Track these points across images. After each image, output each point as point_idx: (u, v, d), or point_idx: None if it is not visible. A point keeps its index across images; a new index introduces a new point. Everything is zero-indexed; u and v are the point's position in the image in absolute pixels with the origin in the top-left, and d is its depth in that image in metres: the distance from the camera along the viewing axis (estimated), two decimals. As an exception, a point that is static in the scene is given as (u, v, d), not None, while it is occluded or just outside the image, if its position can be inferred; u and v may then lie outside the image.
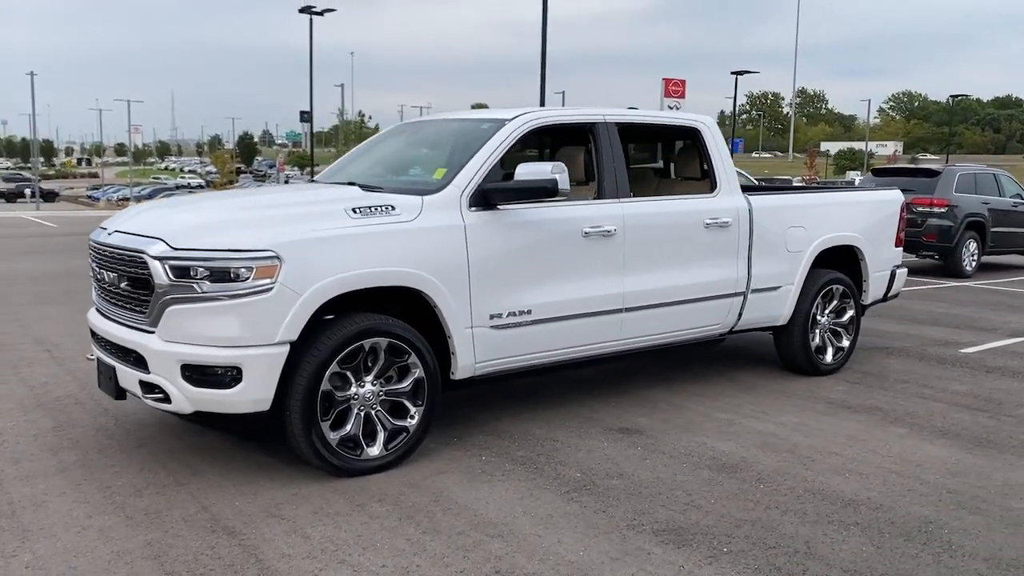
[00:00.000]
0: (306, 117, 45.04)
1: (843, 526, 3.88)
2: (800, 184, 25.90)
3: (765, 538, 3.74)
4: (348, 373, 4.32)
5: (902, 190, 7.21)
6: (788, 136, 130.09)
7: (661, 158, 7.03)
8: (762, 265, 6.17)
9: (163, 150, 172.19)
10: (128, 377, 4.33)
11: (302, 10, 32.59)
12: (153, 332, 4.16)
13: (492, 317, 4.79)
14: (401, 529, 3.77)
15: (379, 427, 4.44)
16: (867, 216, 6.96)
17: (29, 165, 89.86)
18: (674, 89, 55.30)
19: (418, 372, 4.52)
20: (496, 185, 4.78)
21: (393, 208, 4.52)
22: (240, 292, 4.02)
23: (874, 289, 7.08)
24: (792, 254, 6.34)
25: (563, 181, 4.68)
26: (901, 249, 7.35)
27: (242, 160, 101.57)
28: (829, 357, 6.73)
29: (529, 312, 4.94)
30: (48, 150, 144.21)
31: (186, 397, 4.09)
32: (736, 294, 6.02)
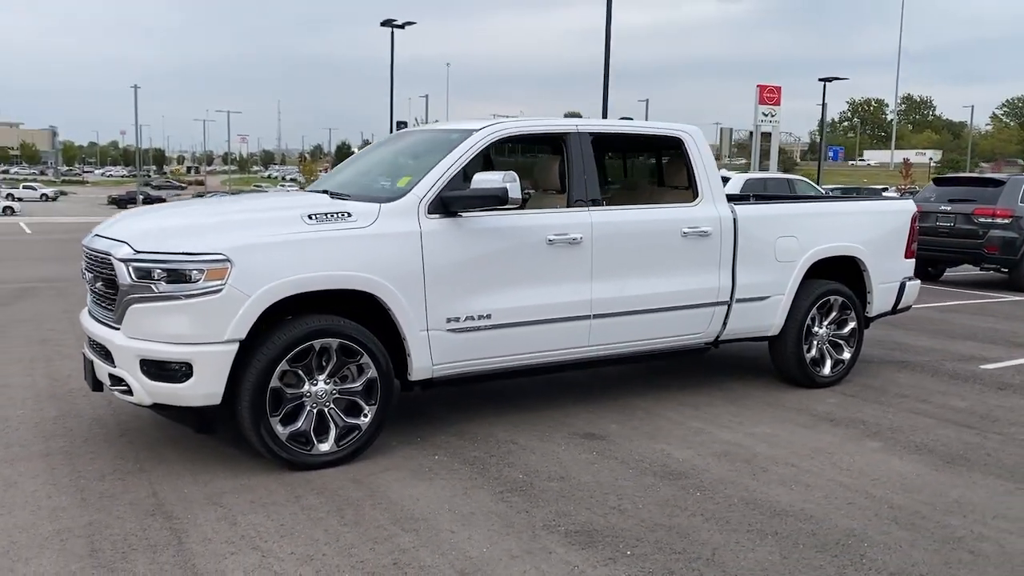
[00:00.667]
0: (402, 126, 46.28)
1: (760, 535, 3.88)
2: (887, 193, 24.89)
3: (674, 543, 3.77)
4: (300, 371, 4.55)
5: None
6: (890, 143, 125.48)
7: (645, 167, 7.06)
8: (748, 275, 6.13)
9: (267, 159, 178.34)
10: (101, 370, 4.66)
11: (384, 23, 33.50)
12: (119, 329, 4.48)
13: (449, 321, 4.95)
14: (325, 520, 3.96)
15: (332, 424, 4.66)
16: (872, 227, 6.82)
17: (143, 173, 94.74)
18: (769, 96, 54.27)
19: (371, 372, 4.72)
20: (453, 193, 4.94)
21: (349, 215, 4.73)
22: (192, 292, 4.30)
23: (880, 301, 6.92)
24: (782, 264, 6.28)
25: (513, 190, 4.81)
26: (913, 261, 7.16)
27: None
28: (827, 369, 6.62)
29: (489, 316, 5.08)
30: (160, 159, 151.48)
31: (145, 390, 4.39)
32: (718, 303, 6.01)
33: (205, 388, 4.35)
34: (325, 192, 5.36)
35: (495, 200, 4.83)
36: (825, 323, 6.61)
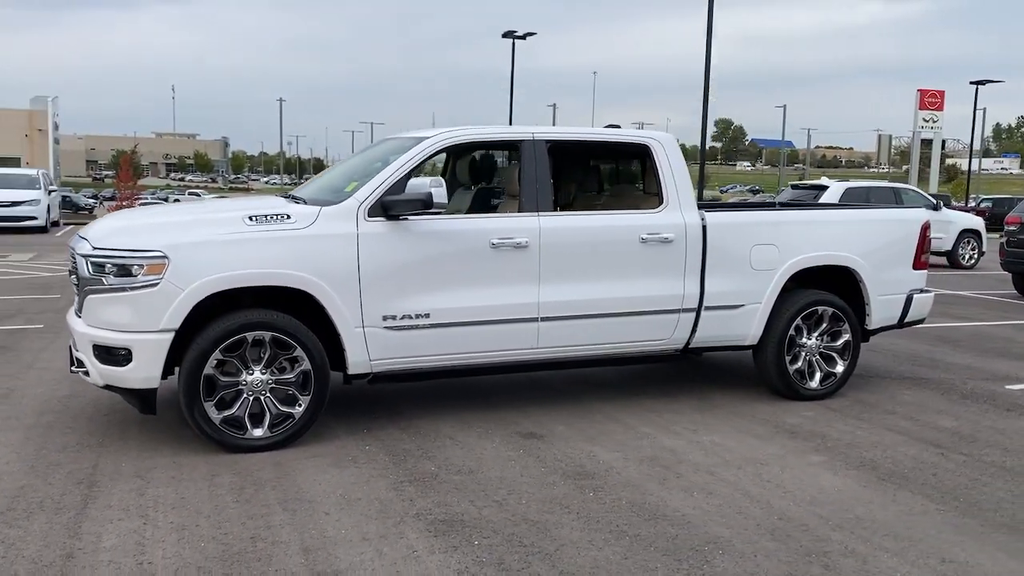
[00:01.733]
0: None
1: (618, 536, 3.92)
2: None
3: (525, 537, 3.88)
4: (236, 361, 4.93)
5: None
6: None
7: (616, 175, 7.06)
8: (719, 283, 6.07)
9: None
10: (73, 354, 5.21)
11: (505, 35, 34.19)
12: (81, 317, 5.00)
13: (386, 318, 5.21)
14: (223, 497, 4.30)
15: (267, 412, 5.01)
16: (871, 236, 6.57)
17: (299, 181, 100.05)
18: (930, 101, 51.43)
19: (304, 365, 5.05)
20: (389, 198, 5.19)
21: (288, 217, 5.08)
22: (135, 285, 4.76)
23: (881, 314, 6.65)
24: (758, 272, 6.16)
25: (438, 195, 5.03)
26: (924, 273, 6.84)
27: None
28: (815, 382, 6.43)
29: (428, 316, 5.30)
30: (319, 166, 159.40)
31: (98, 372, 4.89)
32: (684, 310, 5.98)
33: (143, 372, 4.80)
34: (286, 196, 5.74)
35: (420, 204, 5.06)
36: (815, 335, 6.43)
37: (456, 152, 6.35)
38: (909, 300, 6.76)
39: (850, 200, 16.24)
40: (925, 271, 6.87)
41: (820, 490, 4.58)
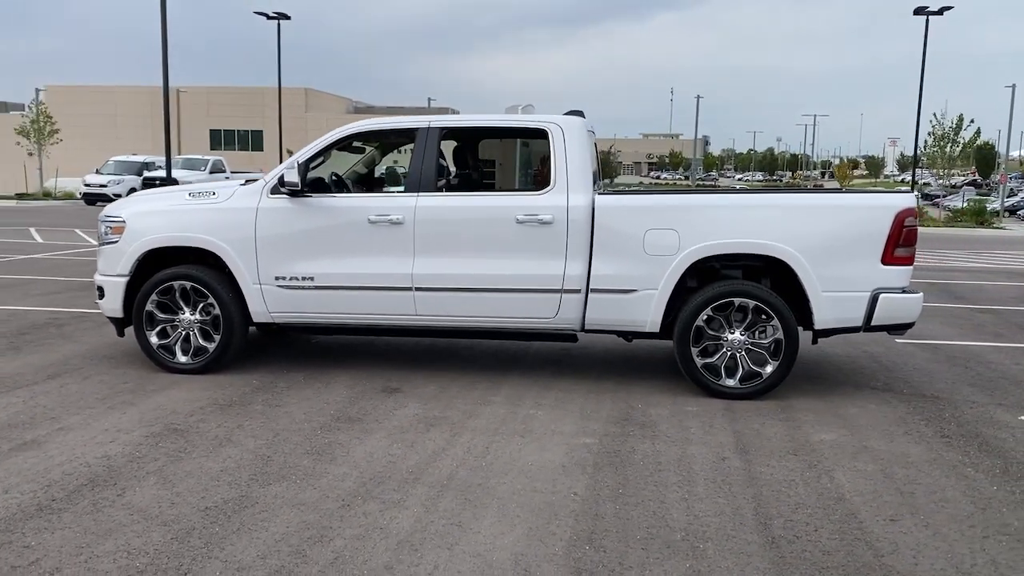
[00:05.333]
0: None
1: (226, 473, 4.65)
2: None
3: (211, 471, 4.81)
4: (168, 303, 6.49)
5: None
6: None
7: (519, 157, 6.98)
8: (607, 265, 6.01)
9: (905, 163, 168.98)
10: (106, 294, 7.21)
11: (916, 11, 30.71)
12: (100, 266, 7.00)
13: (277, 279, 6.34)
14: (86, 402, 5.88)
15: (191, 344, 6.50)
16: (813, 223, 5.84)
17: (777, 177, 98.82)
18: None
19: (215, 311, 6.42)
20: (275, 180, 6.28)
21: (214, 194, 6.48)
22: (109, 242, 6.58)
23: (831, 313, 5.86)
24: (652, 258, 5.94)
25: (289, 175, 6.04)
26: (902, 269, 5.82)
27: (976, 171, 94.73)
28: (733, 380, 5.97)
29: (312, 279, 6.30)
30: (796, 163, 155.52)
31: (100, 304, 6.82)
32: (567, 291, 6.05)
33: (111, 304, 6.60)
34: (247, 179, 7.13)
35: (280, 183, 6.11)
36: (739, 329, 5.97)
37: (365, 140, 7.08)
38: (875, 300, 5.83)
39: None
40: (905, 267, 5.84)
41: (534, 465, 4.67)
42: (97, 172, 33.61)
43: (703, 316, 5.96)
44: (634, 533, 3.80)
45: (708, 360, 6.02)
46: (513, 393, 6.09)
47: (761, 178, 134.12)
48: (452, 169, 6.83)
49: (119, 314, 6.63)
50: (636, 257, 5.99)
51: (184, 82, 57.36)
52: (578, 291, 6.07)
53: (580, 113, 6.91)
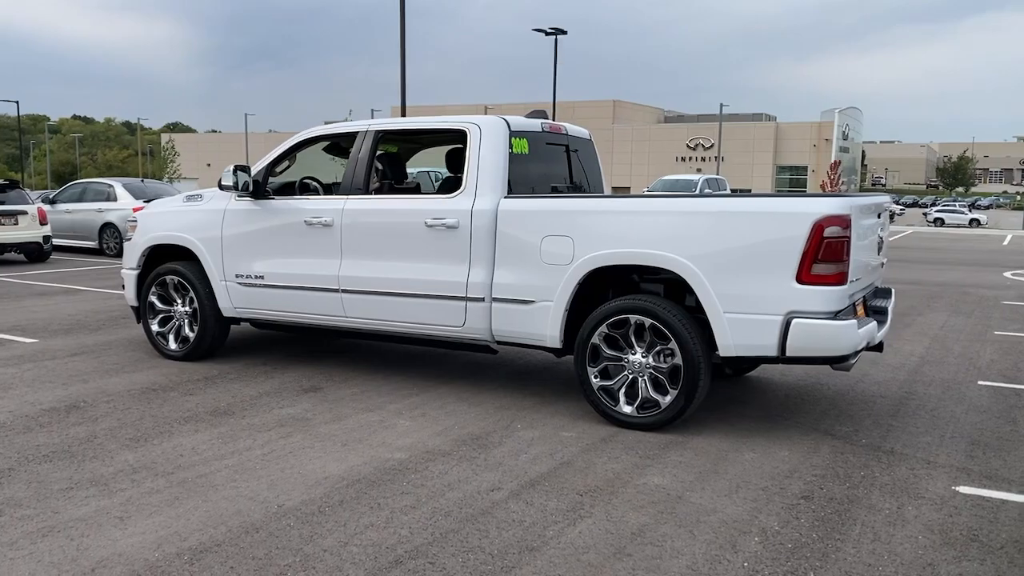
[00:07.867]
0: None
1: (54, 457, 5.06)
2: None
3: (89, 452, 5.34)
4: (164, 294, 7.18)
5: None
6: None
7: (448, 160, 6.42)
8: (508, 274, 5.63)
9: None
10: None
11: None
12: (126, 262, 7.91)
13: (237, 276, 6.75)
14: (57, 378, 6.69)
15: (181, 333, 7.14)
16: (720, 233, 4.99)
17: None
18: None
19: (195, 304, 7.00)
20: (228, 183, 6.65)
21: (200, 197, 7.06)
22: (126, 239, 7.45)
23: (736, 338, 4.97)
24: (549, 267, 5.46)
25: (225, 177, 6.42)
26: (824, 289, 4.78)
27: None
28: (630, 408, 5.30)
29: (262, 277, 6.63)
30: None
31: (125, 294, 7.71)
32: (470, 299, 5.76)
33: (128, 294, 7.45)
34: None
35: (220, 185, 6.50)
36: (640, 350, 5.30)
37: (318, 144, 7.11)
38: (787, 325, 4.85)
39: None
40: (828, 287, 4.78)
41: (309, 478, 4.62)
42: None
43: (599, 333, 5.37)
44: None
45: (606, 383, 5.40)
46: (418, 401, 5.93)
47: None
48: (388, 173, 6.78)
49: (134, 303, 7.46)
50: (535, 266, 5.56)
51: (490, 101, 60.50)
52: (482, 300, 5.76)
53: (542, 114, 6.56)
